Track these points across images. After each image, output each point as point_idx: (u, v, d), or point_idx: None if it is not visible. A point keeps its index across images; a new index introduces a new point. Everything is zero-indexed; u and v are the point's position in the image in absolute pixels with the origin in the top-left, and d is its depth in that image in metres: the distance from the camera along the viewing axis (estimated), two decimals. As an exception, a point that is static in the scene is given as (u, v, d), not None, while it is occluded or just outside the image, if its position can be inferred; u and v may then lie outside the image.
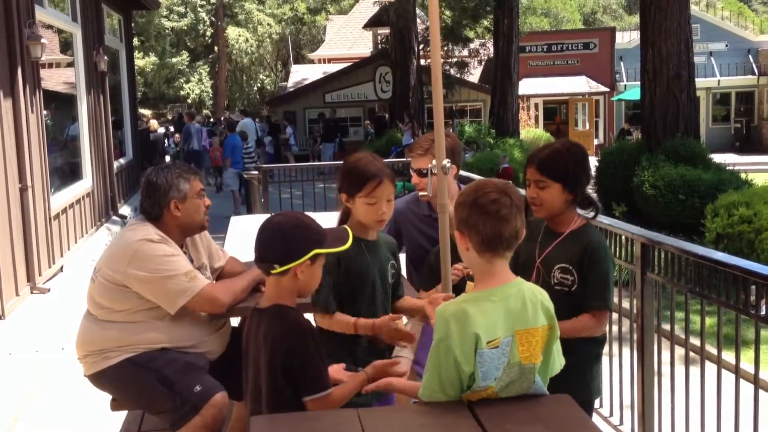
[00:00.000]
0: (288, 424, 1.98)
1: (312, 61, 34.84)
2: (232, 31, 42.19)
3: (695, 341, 3.68)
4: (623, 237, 3.70)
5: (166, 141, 22.69)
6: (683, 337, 3.52)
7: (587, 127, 29.32)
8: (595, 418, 3.87)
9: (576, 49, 29.38)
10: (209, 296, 2.98)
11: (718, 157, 13.51)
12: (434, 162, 2.65)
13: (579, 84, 29.08)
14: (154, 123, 23.11)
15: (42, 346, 5.24)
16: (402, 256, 3.95)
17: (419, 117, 21.58)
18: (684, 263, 3.26)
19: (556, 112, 30.48)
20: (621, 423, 3.85)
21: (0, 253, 5.51)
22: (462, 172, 5.07)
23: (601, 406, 4.00)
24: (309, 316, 2.41)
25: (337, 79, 25.94)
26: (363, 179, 2.59)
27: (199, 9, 41.77)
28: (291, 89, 28.22)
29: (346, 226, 2.47)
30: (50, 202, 6.92)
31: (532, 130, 26.35)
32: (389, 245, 2.82)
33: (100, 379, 3.07)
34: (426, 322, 2.92)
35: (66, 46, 8.75)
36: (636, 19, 27.78)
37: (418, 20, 22.80)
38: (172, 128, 26.03)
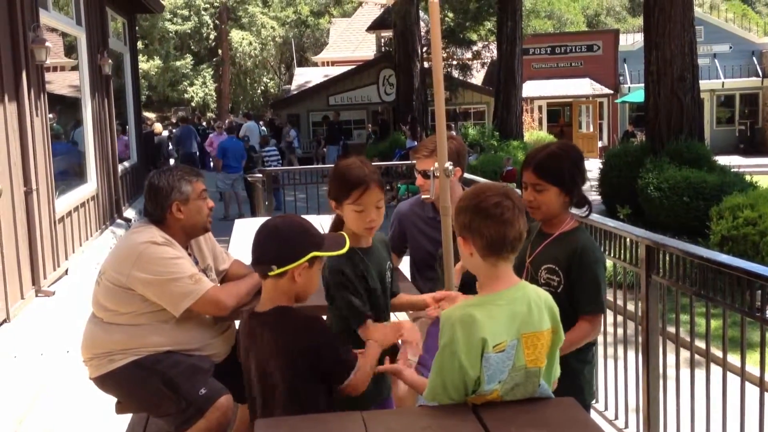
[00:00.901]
0: (293, 428, 1.98)
1: (315, 64, 34.92)
2: (235, 35, 42.27)
3: (700, 344, 3.68)
4: (628, 239, 3.69)
5: (170, 144, 22.72)
6: (688, 339, 3.51)
7: (591, 129, 29.30)
8: (600, 421, 3.86)
9: (580, 52, 29.36)
10: (214, 299, 2.99)
11: (722, 159, 13.50)
12: (437, 164, 2.65)
13: (583, 86, 29.06)
14: (158, 126, 23.17)
15: (47, 349, 5.25)
16: (406, 259, 3.95)
17: (423, 119, 21.59)
18: (689, 266, 3.25)
19: (559, 115, 30.46)
20: (626, 426, 3.84)
21: (5, 257, 5.52)
22: (466, 175, 5.07)
23: (606, 409, 4.00)
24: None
25: (341, 81, 25.98)
26: (349, 186, 2.50)
27: (202, 12, 41.85)
28: (294, 92, 28.27)
29: (343, 233, 2.42)
30: (55, 206, 6.93)
31: (535, 133, 26.33)
32: (383, 243, 2.73)
33: (105, 381, 3.07)
34: (432, 322, 2.92)
35: (70, 49, 8.77)
36: (640, 20, 27.77)
37: (422, 23, 22.82)
38: (175, 131, 26.09)
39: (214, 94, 43.35)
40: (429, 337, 3.17)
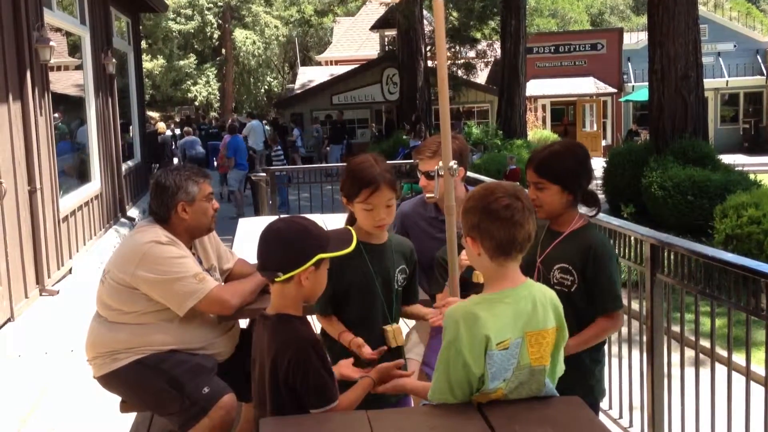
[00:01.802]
0: (298, 426, 1.98)
1: (319, 63, 34.89)
2: (239, 34, 42.28)
3: (705, 343, 3.67)
4: (632, 238, 3.68)
5: (174, 143, 22.76)
6: (693, 338, 3.50)
7: (595, 128, 29.26)
8: (605, 420, 3.85)
9: (583, 50, 29.31)
10: (218, 298, 2.99)
11: (726, 158, 13.45)
12: (441, 164, 2.65)
13: (587, 85, 29.01)
14: (161, 125, 23.23)
15: (51, 348, 5.26)
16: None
17: (427, 118, 21.58)
18: (693, 264, 3.24)
19: (563, 113, 30.41)
20: (631, 425, 3.83)
21: (9, 256, 5.53)
22: (469, 174, 5.06)
23: (610, 407, 3.99)
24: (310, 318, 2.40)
25: (344, 81, 25.95)
26: (359, 185, 2.51)
27: (206, 11, 41.86)
28: (298, 91, 28.25)
29: (350, 227, 2.42)
30: (59, 205, 6.95)
31: (539, 132, 26.29)
32: (402, 250, 2.70)
33: (109, 380, 3.08)
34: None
35: (74, 48, 8.78)
36: (644, 19, 27.72)
37: (425, 22, 22.80)
38: (179, 131, 26.12)
39: (217, 93, 43.38)
40: (434, 339, 3.18)
